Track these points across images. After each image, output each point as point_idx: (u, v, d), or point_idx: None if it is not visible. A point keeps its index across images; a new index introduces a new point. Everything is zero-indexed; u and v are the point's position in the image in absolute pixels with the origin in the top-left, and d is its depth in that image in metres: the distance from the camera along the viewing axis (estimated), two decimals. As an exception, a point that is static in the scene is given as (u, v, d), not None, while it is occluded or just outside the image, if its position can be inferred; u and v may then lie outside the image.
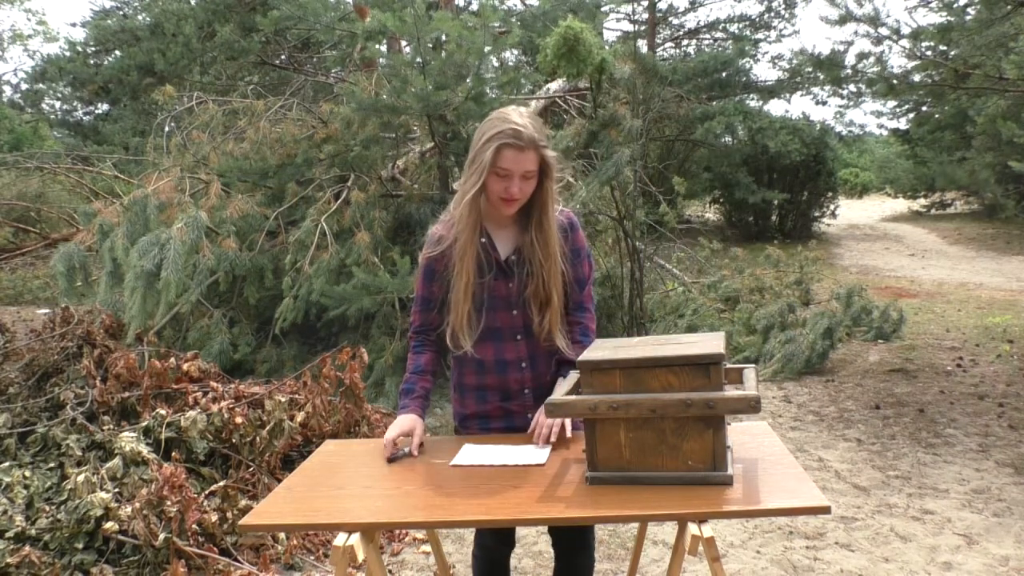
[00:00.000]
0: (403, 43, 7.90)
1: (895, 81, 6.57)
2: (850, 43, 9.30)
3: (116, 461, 3.12)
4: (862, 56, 6.70)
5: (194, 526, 2.90)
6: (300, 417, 3.65)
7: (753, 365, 2.11)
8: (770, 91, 16.03)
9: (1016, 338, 6.76)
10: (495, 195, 1.97)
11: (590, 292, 2.21)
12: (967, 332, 7.13)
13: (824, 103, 29.42)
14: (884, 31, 6.36)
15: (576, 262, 2.14)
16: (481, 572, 2.30)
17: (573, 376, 1.96)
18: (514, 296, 2.09)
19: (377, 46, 7.07)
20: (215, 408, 3.45)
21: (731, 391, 1.71)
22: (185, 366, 3.87)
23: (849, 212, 19.38)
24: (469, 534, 3.35)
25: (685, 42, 19.35)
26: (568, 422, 2.07)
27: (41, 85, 16.21)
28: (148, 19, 11.68)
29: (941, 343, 6.74)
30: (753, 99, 15.95)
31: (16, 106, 18.15)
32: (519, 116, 1.95)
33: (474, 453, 2.04)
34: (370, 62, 7.80)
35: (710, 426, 1.71)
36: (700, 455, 1.73)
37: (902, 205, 20.89)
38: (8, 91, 20.47)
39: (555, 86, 9.64)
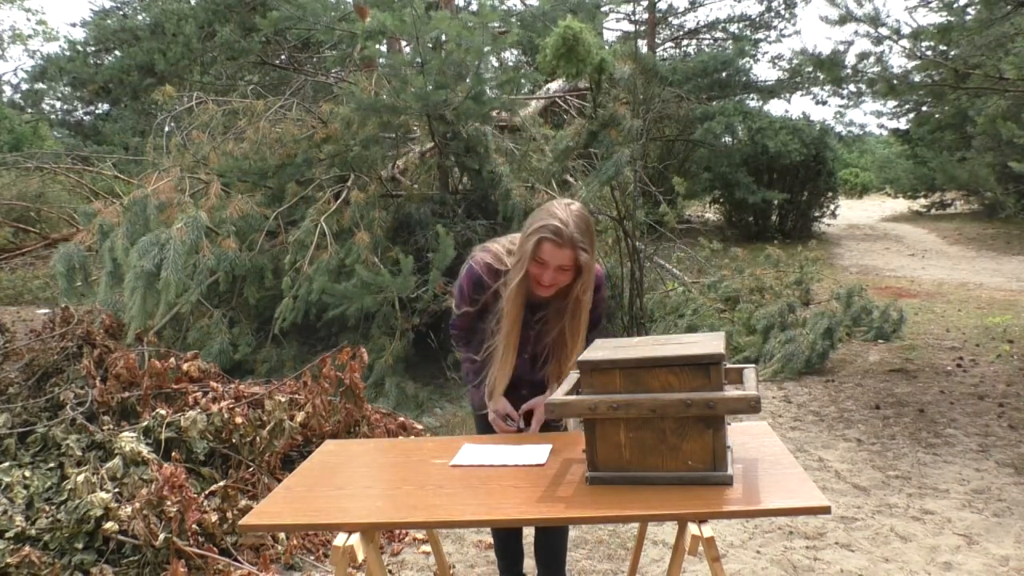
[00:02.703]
0: (403, 43, 7.90)
1: (895, 81, 6.56)
2: (850, 43, 9.27)
3: (116, 461, 3.12)
4: (862, 56, 6.69)
5: (194, 526, 2.89)
6: (300, 417, 3.65)
7: (753, 365, 2.11)
8: (770, 91, 16.03)
9: (1016, 338, 6.76)
10: (533, 277, 2.18)
11: (594, 335, 2.44)
12: (967, 332, 7.12)
13: (824, 103, 29.47)
14: (884, 31, 6.35)
15: (593, 310, 2.34)
16: (498, 539, 2.69)
17: (573, 376, 1.96)
18: (530, 343, 2.33)
19: (377, 46, 7.06)
20: (215, 408, 3.45)
21: (731, 391, 1.71)
22: (185, 366, 3.87)
23: (849, 212, 19.38)
24: (469, 534, 3.35)
25: (685, 42, 19.35)
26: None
27: (41, 85, 16.21)
28: (148, 19, 11.66)
29: (941, 343, 6.74)
30: (753, 99, 15.96)
31: (16, 106, 18.15)
32: (565, 212, 2.11)
33: (474, 453, 2.04)
34: (370, 62, 7.80)
35: (710, 426, 1.71)
36: (700, 455, 1.73)
37: (902, 205, 20.89)
38: (8, 91, 20.47)
39: (555, 86, 9.64)
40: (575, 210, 2.14)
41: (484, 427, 2.51)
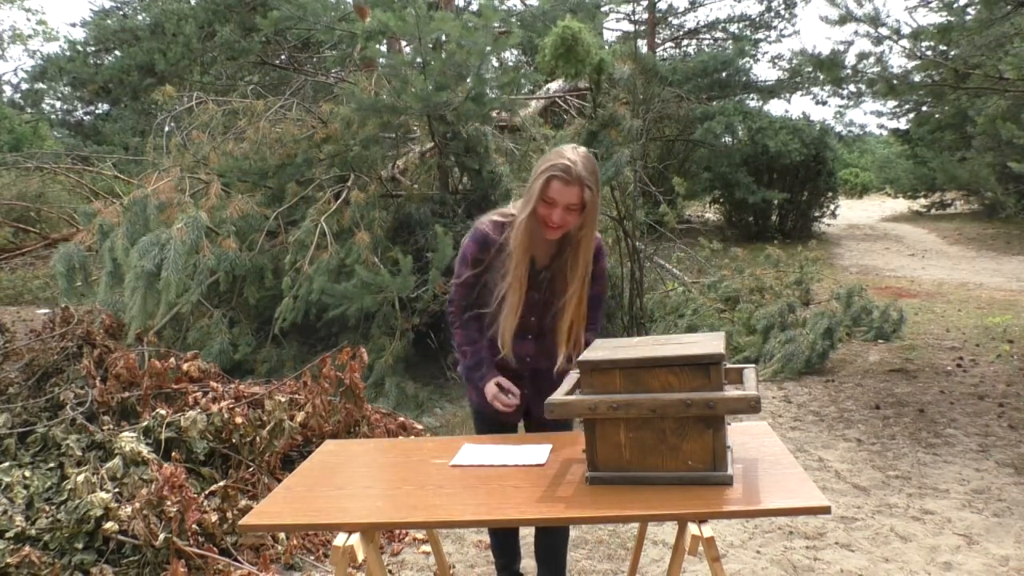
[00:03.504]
0: (403, 43, 7.90)
1: (895, 81, 6.56)
2: (850, 43, 9.28)
3: (116, 461, 3.12)
4: (862, 56, 6.68)
5: (194, 526, 2.89)
6: (300, 417, 3.65)
7: (753, 365, 2.11)
8: (770, 91, 16.04)
9: (1016, 338, 6.76)
10: (541, 219, 2.21)
11: (598, 315, 2.45)
12: (967, 332, 7.13)
13: (824, 103, 29.49)
14: (884, 31, 6.35)
15: (594, 284, 2.36)
16: (495, 538, 2.71)
17: (573, 376, 1.96)
18: (537, 304, 2.33)
19: (377, 46, 7.06)
20: (215, 408, 3.45)
21: (731, 391, 1.71)
22: (185, 366, 3.87)
23: (849, 212, 19.38)
24: (469, 534, 3.35)
25: (685, 42, 19.38)
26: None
27: (41, 85, 16.21)
28: (148, 19, 11.67)
29: (941, 343, 6.74)
30: (753, 99, 15.97)
31: (16, 106, 18.15)
32: (573, 153, 2.18)
33: (474, 453, 2.04)
34: (370, 62, 7.80)
35: (710, 426, 1.71)
36: (700, 455, 1.73)
37: (902, 205, 20.90)
38: (8, 91, 20.47)
39: (555, 86, 9.64)
40: (582, 152, 2.20)
41: (483, 425, 2.51)
